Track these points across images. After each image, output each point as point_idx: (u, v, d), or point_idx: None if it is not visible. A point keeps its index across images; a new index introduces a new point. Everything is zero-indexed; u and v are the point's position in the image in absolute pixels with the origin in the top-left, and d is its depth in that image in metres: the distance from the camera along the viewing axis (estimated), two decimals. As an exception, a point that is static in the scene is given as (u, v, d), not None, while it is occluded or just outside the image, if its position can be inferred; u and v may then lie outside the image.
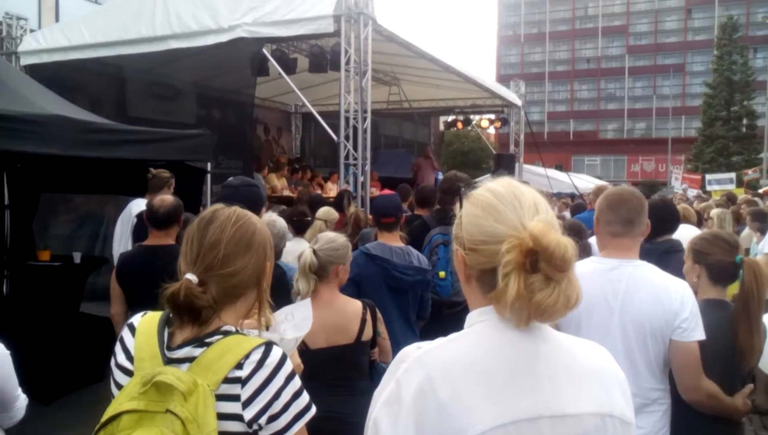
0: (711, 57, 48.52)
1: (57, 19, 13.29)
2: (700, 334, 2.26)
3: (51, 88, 6.29)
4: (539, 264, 1.08)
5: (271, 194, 10.62)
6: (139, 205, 5.00)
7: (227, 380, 1.36)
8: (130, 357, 1.45)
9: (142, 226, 4.12)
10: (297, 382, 1.43)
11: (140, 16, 8.50)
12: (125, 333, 1.50)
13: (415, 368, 1.12)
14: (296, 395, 1.41)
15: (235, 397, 1.36)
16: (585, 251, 3.77)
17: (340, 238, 2.98)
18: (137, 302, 3.66)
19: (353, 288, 3.45)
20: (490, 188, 1.22)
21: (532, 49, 67.03)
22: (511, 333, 1.14)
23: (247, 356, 1.38)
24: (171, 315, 1.46)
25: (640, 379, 2.27)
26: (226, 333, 1.43)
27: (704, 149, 42.81)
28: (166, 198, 3.86)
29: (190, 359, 1.39)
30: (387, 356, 3.04)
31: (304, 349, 2.79)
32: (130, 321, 1.53)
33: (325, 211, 5.24)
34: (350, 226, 5.25)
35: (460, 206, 1.25)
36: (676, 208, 4.09)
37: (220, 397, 1.34)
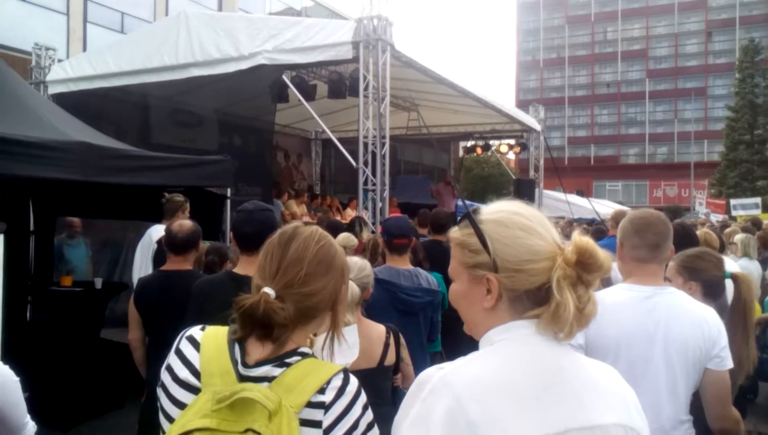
0: (732, 80, 48.12)
1: (84, 49, 13.62)
2: (731, 362, 2.25)
3: (78, 115, 6.42)
4: (582, 276, 1.14)
5: (291, 220, 10.67)
6: (158, 230, 5.04)
7: (310, 404, 1.29)
8: (194, 372, 1.35)
9: (163, 251, 4.14)
10: (370, 413, 1.38)
11: (164, 44, 8.69)
12: (185, 346, 1.40)
13: (440, 389, 1.12)
14: (370, 426, 1.37)
15: (317, 423, 1.29)
16: (607, 278, 3.71)
17: (363, 262, 3.02)
18: (154, 327, 3.67)
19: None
20: (513, 211, 1.25)
21: (551, 74, 67.15)
22: (534, 349, 1.16)
23: (328, 381, 1.32)
24: (239, 330, 1.37)
25: (680, 412, 2.21)
26: (304, 355, 1.38)
27: (728, 173, 42.25)
28: (185, 223, 3.88)
29: (269, 379, 1.31)
30: (409, 382, 2.99)
31: None
32: (188, 333, 1.43)
33: (345, 238, 5.22)
34: (368, 252, 5.22)
35: (478, 233, 1.22)
36: (694, 232, 4.02)
37: (303, 422, 1.28)
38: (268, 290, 1.34)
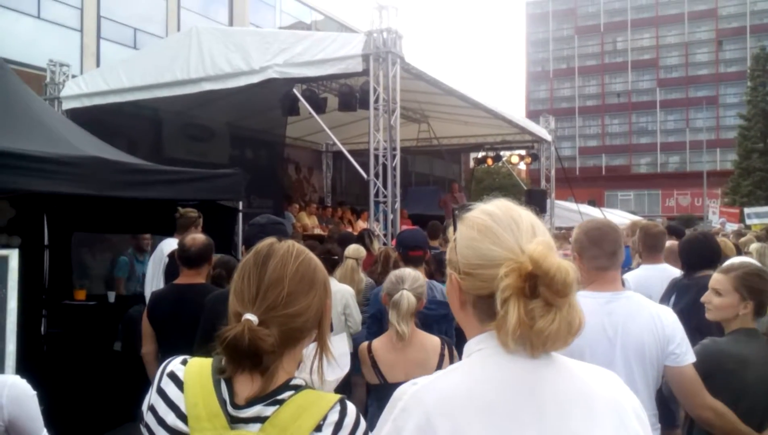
0: (744, 88, 47.82)
1: (98, 64, 13.78)
2: (692, 357, 2.34)
3: (91, 130, 6.47)
4: (539, 289, 1.03)
5: (302, 232, 10.69)
6: (170, 244, 5.06)
7: None
8: (181, 415, 1.25)
9: (174, 265, 4.15)
10: None
11: (175, 59, 8.77)
12: (166, 385, 1.30)
13: (411, 406, 1.07)
14: None
15: None
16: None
17: (416, 273, 3.06)
18: (167, 340, 3.68)
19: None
20: (485, 210, 1.17)
21: (561, 84, 67.10)
22: (512, 360, 1.08)
23: (324, 417, 1.24)
24: (224, 362, 1.27)
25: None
26: (297, 388, 1.28)
27: (741, 182, 41.88)
28: (198, 237, 3.89)
29: (261, 419, 1.22)
30: None
31: (382, 383, 2.81)
32: (169, 370, 1.33)
33: (355, 249, 5.23)
34: (380, 263, 5.22)
35: (455, 229, 1.20)
36: (717, 243, 3.98)
37: None
38: (250, 317, 1.24)
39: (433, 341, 2.94)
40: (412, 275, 3.00)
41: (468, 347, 1.16)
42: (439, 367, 2.84)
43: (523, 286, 1.04)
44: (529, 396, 1.06)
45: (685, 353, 2.32)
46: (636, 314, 2.34)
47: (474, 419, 1.03)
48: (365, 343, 2.97)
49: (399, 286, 2.91)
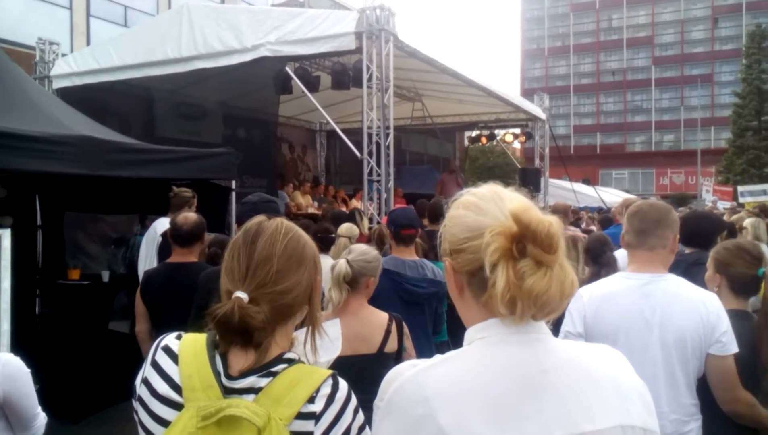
0: (739, 66, 47.75)
1: (88, 43, 13.61)
2: (735, 347, 2.24)
3: (82, 110, 6.43)
4: (527, 248, 1.03)
5: (296, 211, 10.69)
6: (163, 224, 5.06)
7: (300, 415, 1.24)
8: (175, 386, 1.27)
9: (167, 244, 4.16)
10: (362, 416, 1.34)
11: (167, 37, 8.69)
12: (161, 358, 1.32)
13: (411, 388, 1.07)
14: (362, 429, 1.32)
15: (308, 434, 1.25)
16: (610, 264, 3.72)
17: (372, 251, 2.98)
18: (160, 319, 3.70)
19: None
20: (471, 192, 1.18)
21: (556, 62, 66.76)
22: (513, 348, 1.08)
23: (317, 390, 1.27)
24: (220, 343, 1.30)
25: (681, 396, 2.24)
26: (290, 361, 1.31)
27: (735, 160, 41.99)
28: (189, 215, 3.90)
29: (255, 390, 1.25)
30: None
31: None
32: (163, 343, 1.35)
33: (348, 228, 5.23)
34: (374, 242, 5.24)
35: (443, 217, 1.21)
36: (712, 222, 3.99)
37: (294, 434, 1.23)
38: (240, 294, 1.27)
39: (380, 317, 2.89)
40: (362, 249, 2.95)
41: (469, 334, 1.14)
42: (384, 342, 2.83)
43: (510, 247, 1.03)
44: (531, 385, 1.05)
45: (730, 342, 2.23)
46: (678, 298, 2.27)
47: (475, 411, 1.02)
48: None
49: (344, 256, 2.88)
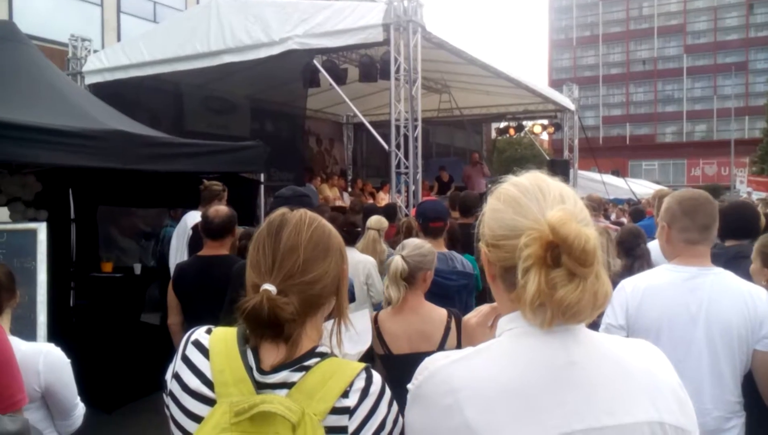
0: (776, 54, 46.51)
1: (119, 39, 13.82)
2: None
3: (113, 105, 6.51)
4: (562, 258, 1.00)
5: (324, 205, 10.72)
6: (194, 217, 5.10)
7: (334, 410, 1.21)
8: (207, 381, 1.26)
9: (198, 237, 4.19)
10: (395, 407, 1.31)
11: (195, 32, 8.75)
12: (192, 352, 1.31)
13: (440, 378, 1.08)
14: (395, 422, 1.29)
15: (342, 429, 1.22)
16: (644, 256, 3.64)
17: (426, 245, 2.97)
18: (192, 311, 3.73)
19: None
20: (514, 182, 1.15)
21: (584, 52, 65.81)
22: (541, 341, 1.06)
23: (351, 384, 1.24)
24: (250, 338, 1.29)
25: (726, 393, 2.18)
26: (323, 355, 1.29)
27: (771, 150, 40.97)
28: (221, 208, 3.92)
29: (288, 385, 1.23)
30: None
31: (387, 354, 2.79)
32: (194, 338, 1.34)
33: (377, 220, 5.22)
34: (402, 234, 5.21)
35: (484, 203, 1.19)
36: (754, 214, 3.87)
37: (328, 429, 1.20)
38: (269, 287, 1.25)
39: (440, 313, 2.87)
40: (415, 243, 2.93)
41: (500, 326, 1.15)
42: (444, 339, 2.80)
43: (545, 255, 1.01)
44: (557, 378, 1.04)
45: None
46: (725, 292, 2.20)
47: (501, 405, 1.02)
48: (374, 313, 2.96)
49: (398, 252, 2.86)
